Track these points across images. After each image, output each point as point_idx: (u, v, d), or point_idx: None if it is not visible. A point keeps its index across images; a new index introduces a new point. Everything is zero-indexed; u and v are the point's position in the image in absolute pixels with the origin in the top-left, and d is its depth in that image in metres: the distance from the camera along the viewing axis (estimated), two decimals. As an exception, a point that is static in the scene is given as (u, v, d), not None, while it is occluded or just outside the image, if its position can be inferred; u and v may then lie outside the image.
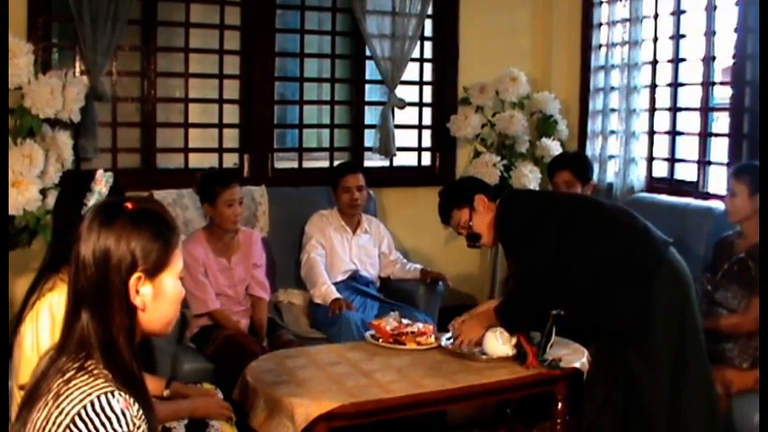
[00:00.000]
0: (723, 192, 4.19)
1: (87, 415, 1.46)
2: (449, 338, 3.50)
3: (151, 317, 1.62)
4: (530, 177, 5.14)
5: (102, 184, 2.36)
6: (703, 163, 4.68)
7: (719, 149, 4.63)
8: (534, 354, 3.26)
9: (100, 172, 2.40)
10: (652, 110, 5.02)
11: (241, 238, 4.15)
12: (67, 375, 1.52)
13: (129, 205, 1.62)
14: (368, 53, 5.27)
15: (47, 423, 1.47)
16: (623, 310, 3.01)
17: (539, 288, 3.16)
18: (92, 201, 2.33)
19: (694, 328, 3.02)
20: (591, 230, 3.14)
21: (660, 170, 5.02)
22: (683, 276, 3.04)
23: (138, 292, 1.58)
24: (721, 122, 4.75)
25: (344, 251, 4.56)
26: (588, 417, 3.19)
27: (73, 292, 1.59)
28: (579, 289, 3.12)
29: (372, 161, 5.44)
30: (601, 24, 5.39)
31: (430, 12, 5.39)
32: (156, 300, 1.61)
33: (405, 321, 3.69)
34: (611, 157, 5.19)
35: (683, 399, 2.97)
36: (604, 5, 5.36)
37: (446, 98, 5.55)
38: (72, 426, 1.45)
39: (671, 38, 4.89)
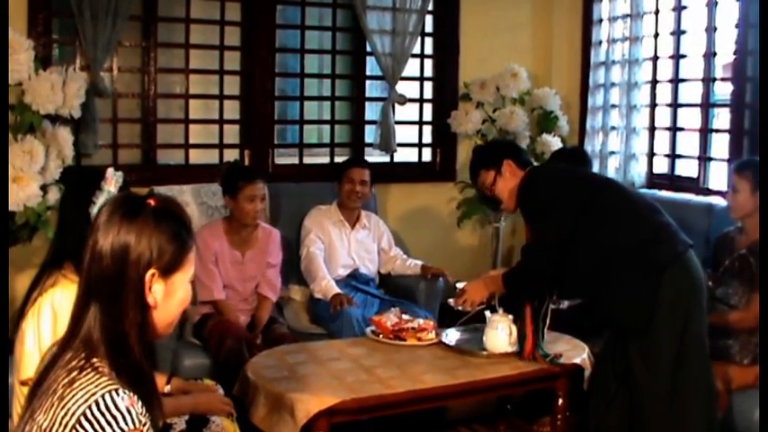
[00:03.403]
0: (724, 188, 4.19)
1: (93, 414, 1.45)
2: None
3: (159, 316, 1.62)
4: (530, 173, 5.13)
5: (112, 184, 2.36)
6: (704, 159, 4.67)
7: (720, 145, 4.63)
8: (533, 344, 3.25)
9: (110, 171, 2.39)
10: (653, 106, 5.01)
11: (260, 234, 4.16)
12: (72, 375, 1.51)
13: (151, 202, 1.62)
14: (368, 49, 5.26)
15: (53, 424, 1.47)
16: (629, 298, 3.00)
17: (549, 261, 3.13)
18: (101, 199, 2.32)
19: (698, 333, 3.01)
20: (610, 214, 3.11)
21: (661, 166, 5.02)
22: (695, 281, 3.02)
23: (150, 289, 1.59)
24: (722, 118, 4.75)
25: (343, 246, 4.56)
26: (596, 414, 3.18)
27: (85, 282, 1.59)
28: (588, 270, 3.10)
29: (373, 157, 5.42)
30: (601, 20, 5.38)
31: (430, 7, 5.37)
32: (166, 299, 1.61)
33: (405, 317, 3.70)
34: (612, 153, 5.18)
35: (681, 398, 2.96)
36: (605, 1, 5.35)
37: (447, 94, 5.54)
38: (78, 426, 1.45)
39: (672, 34, 4.88)
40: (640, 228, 3.07)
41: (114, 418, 1.46)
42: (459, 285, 3.56)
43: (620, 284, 3.01)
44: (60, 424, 1.47)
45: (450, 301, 3.55)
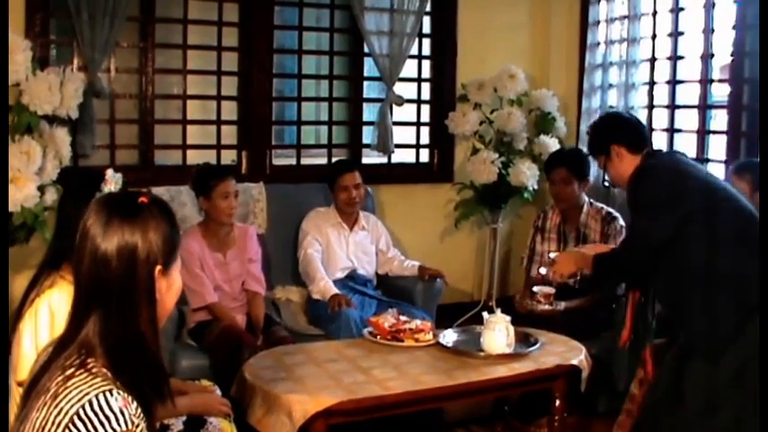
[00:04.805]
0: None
1: (86, 414, 1.46)
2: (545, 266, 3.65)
3: (160, 309, 1.64)
4: (528, 174, 5.14)
5: (112, 185, 2.35)
6: (701, 160, 4.67)
7: (717, 147, 4.64)
8: (630, 332, 3.19)
9: (110, 172, 2.38)
10: (650, 107, 5.02)
11: (236, 233, 4.16)
12: (67, 373, 1.52)
13: (145, 200, 1.64)
14: (366, 50, 5.27)
15: (46, 423, 1.48)
16: (710, 325, 2.80)
17: (641, 260, 2.98)
18: None
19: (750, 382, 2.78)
20: (720, 234, 2.85)
21: (658, 167, 5.02)
22: None
23: (157, 285, 1.61)
24: (719, 120, 4.75)
25: (341, 248, 4.56)
26: (647, 422, 3.10)
27: (84, 289, 1.59)
28: (679, 281, 2.90)
29: (370, 158, 5.44)
30: (599, 22, 5.39)
31: (428, 9, 5.39)
32: (167, 292, 1.64)
33: (403, 318, 3.70)
34: (610, 154, 5.18)
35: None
36: (603, 3, 5.36)
37: (444, 95, 5.55)
38: (71, 425, 1.46)
39: (669, 35, 4.89)
40: (746, 260, 2.80)
41: (107, 418, 1.46)
42: (552, 255, 3.60)
43: (707, 308, 2.81)
44: (54, 423, 1.47)
45: (542, 269, 3.62)
